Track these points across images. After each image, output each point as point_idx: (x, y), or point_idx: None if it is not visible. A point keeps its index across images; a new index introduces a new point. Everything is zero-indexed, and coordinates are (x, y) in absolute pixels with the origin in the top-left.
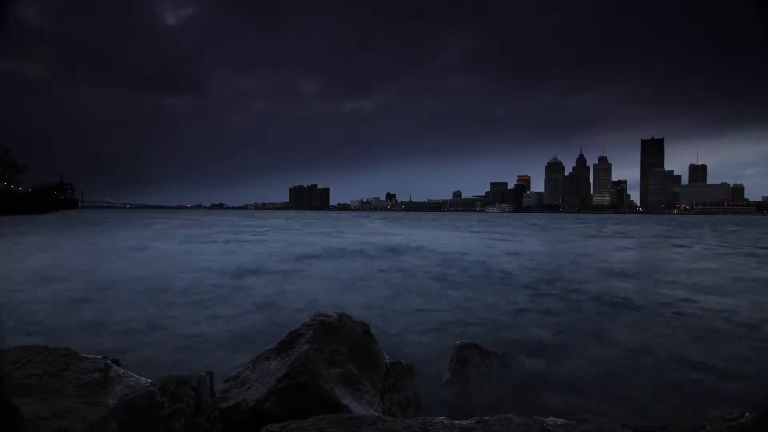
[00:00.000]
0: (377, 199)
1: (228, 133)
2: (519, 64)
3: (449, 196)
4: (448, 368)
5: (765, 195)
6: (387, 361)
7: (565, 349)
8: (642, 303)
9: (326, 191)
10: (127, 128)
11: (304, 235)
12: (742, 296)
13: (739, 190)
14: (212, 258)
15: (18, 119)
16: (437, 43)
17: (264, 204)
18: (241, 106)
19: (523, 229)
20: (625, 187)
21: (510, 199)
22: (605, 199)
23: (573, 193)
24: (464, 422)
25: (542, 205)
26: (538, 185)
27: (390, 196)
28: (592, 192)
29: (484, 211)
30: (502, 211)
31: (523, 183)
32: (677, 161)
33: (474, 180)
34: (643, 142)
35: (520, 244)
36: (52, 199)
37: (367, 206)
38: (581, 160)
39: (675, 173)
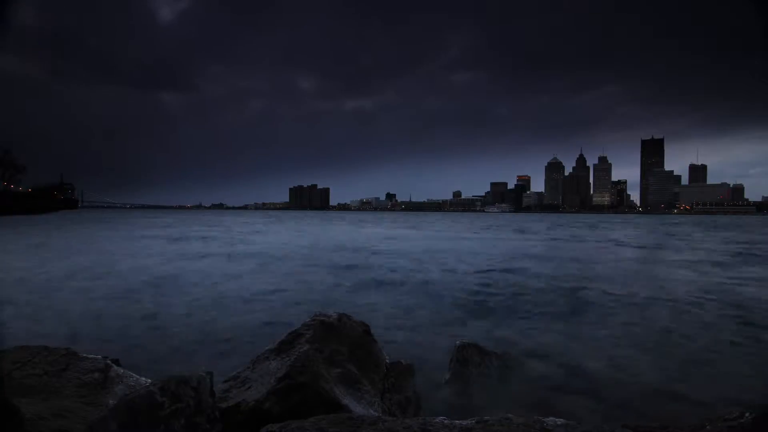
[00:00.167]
0: (377, 199)
1: (228, 132)
2: (519, 64)
3: (449, 196)
4: (448, 368)
5: (765, 195)
6: (387, 361)
7: (565, 350)
8: (642, 303)
9: (326, 191)
10: (126, 128)
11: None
12: (742, 298)
13: (739, 190)
14: (211, 258)
15: (17, 119)
16: (437, 43)
17: (264, 204)
18: (241, 105)
19: (527, 230)
20: (625, 187)
21: (510, 199)
22: (605, 199)
23: (573, 193)
24: (464, 422)
25: (542, 205)
26: (538, 185)
27: (390, 196)
28: (592, 192)
29: (484, 211)
30: (502, 211)
31: (523, 183)
32: (677, 161)
33: (474, 180)
34: (643, 142)
35: (522, 245)
36: (52, 199)
37: (367, 206)
38: (581, 160)
39: (675, 173)
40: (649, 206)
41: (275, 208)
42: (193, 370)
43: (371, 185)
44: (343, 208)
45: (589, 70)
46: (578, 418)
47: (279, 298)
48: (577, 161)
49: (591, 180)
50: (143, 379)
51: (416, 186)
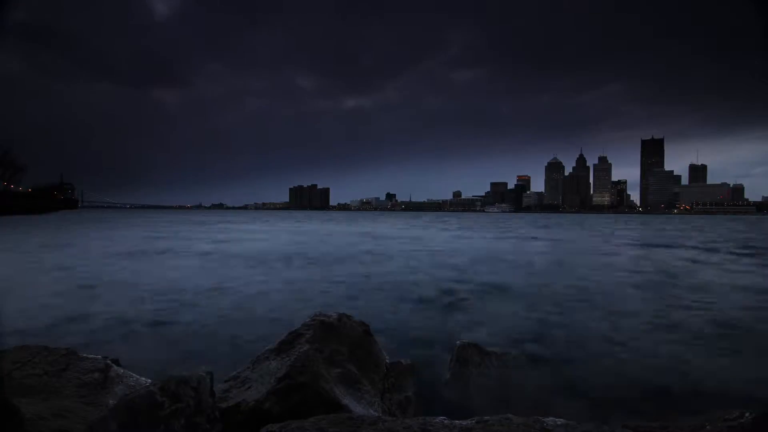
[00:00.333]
0: (377, 199)
1: (228, 132)
2: (519, 64)
3: (449, 196)
4: (448, 368)
5: (765, 195)
6: (387, 361)
7: (565, 350)
8: (642, 303)
9: (326, 191)
10: (126, 128)
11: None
12: (742, 299)
13: (739, 190)
14: (211, 258)
15: (17, 118)
16: (437, 42)
17: (264, 204)
18: (241, 105)
19: (533, 230)
20: (625, 187)
21: (510, 199)
22: (605, 199)
23: (573, 193)
24: (464, 422)
25: (542, 205)
26: (538, 185)
27: (390, 196)
28: (592, 192)
29: (484, 211)
30: (502, 211)
31: (523, 183)
32: (677, 161)
33: (474, 180)
34: (643, 142)
35: (522, 245)
36: (52, 199)
37: (367, 206)
38: (581, 160)
39: (675, 173)
40: (649, 206)
41: (275, 208)
42: (193, 370)
43: (371, 185)
44: (343, 208)
45: (589, 70)
46: (578, 418)
47: (279, 298)
48: (577, 161)
49: (591, 180)
50: (143, 379)
51: (416, 186)
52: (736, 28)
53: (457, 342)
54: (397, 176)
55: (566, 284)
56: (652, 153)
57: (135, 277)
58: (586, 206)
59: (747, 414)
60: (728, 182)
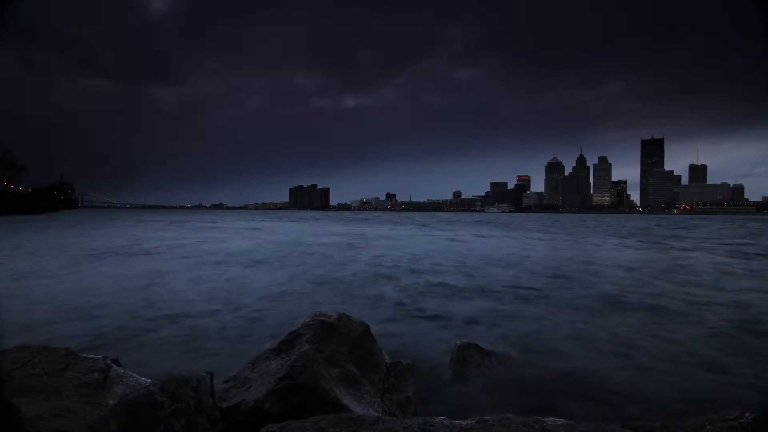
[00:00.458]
0: (377, 199)
1: (228, 132)
2: (519, 64)
3: (449, 196)
4: (448, 368)
5: (765, 195)
6: (387, 361)
7: (565, 350)
8: (642, 304)
9: (326, 191)
10: (126, 128)
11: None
12: (745, 298)
13: (739, 190)
14: (212, 258)
15: (17, 117)
16: (437, 40)
17: (264, 204)
18: (240, 104)
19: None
20: (625, 187)
21: (510, 199)
22: (605, 199)
23: (573, 193)
24: (464, 422)
25: (542, 205)
26: (538, 185)
27: (390, 196)
28: (592, 192)
29: (484, 211)
30: (502, 211)
31: (523, 183)
32: (677, 161)
33: (474, 180)
34: (643, 142)
35: (522, 245)
36: (52, 199)
37: (367, 206)
38: (581, 160)
39: (675, 173)
40: (649, 206)
41: (275, 208)
42: (193, 370)
43: (371, 185)
44: (343, 208)
45: (589, 70)
46: (578, 418)
47: (280, 298)
48: (577, 161)
49: (591, 180)
50: (143, 379)
51: (416, 186)
52: (736, 27)
53: (457, 342)
54: (397, 176)
55: (566, 285)
56: (652, 153)
57: (135, 277)
58: (586, 206)
59: (747, 414)
60: (728, 182)
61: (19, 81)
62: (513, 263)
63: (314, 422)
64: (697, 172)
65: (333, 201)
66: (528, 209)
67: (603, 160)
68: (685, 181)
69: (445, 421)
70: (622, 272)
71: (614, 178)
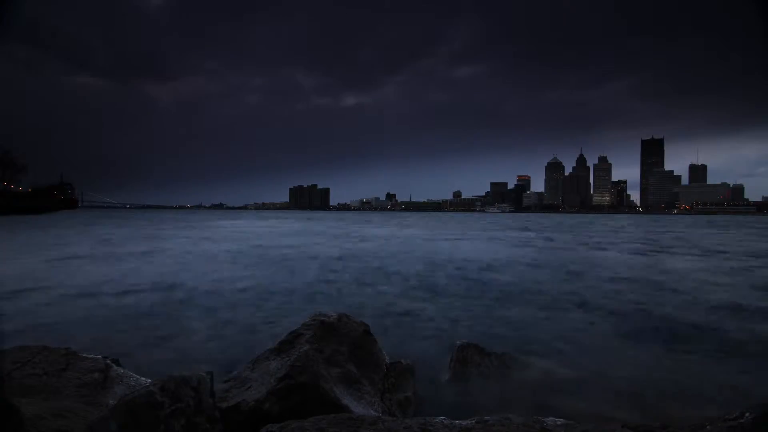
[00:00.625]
0: (377, 199)
1: (228, 132)
2: (519, 64)
3: (449, 196)
4: (448, 368)
5: (765, 195)
6: (387, 361)
7: (565, 350)
8: (642, 303)
9: (326, 191)
10: (126, 127)
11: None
12: (745, 298)
13: (739, 190)
14: (212, 258)
15: (17, 117)
16: (437, 39)
17: (264, 204)
18: (240, 104)
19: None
20: (625, 187)
21: (510, 199)
22: (605, 199)
23: (573, 193)
24: (464, 422)
25: (542, 205)
26: (538, 185)
27: (390, 196)
28: (592, 192)
29: (483, 211)
30: (502, 211)
31: (523, 183)
32: (677, 161)
33: (474, 180)
34: (643, 142)
35: (524, 245)
36: (52, 199)
37: (367, 206)
38: (581, 160)
39: (675, 173)
40: (649, 206)
41: (275, 208)
42: (193, 370)
43: (371, 185)
44: (343, 208)
45: (589, 69)
46: (578, 418)
47: (280, 298)
48: (577, 161)
49: (591, 180)
50: (143, 379)
51: (416, 186)
52: (736, 27)
53: (457, 342)
54: (397, 176)
55: (565, 285)
56: (652, 153)
57: (135, 277)
58: (586, 206)
59: (747, 414)
60: (728, 182)
61: (17, 81)
62: (515, 264)
63: (314, 422)
64: (697, 172)
65: (333, 201)
66: (528, 209)
67: (603, 160)
68: (685, 181)
69: (445, 421)
70: (627, 273)
71: (614, 178)
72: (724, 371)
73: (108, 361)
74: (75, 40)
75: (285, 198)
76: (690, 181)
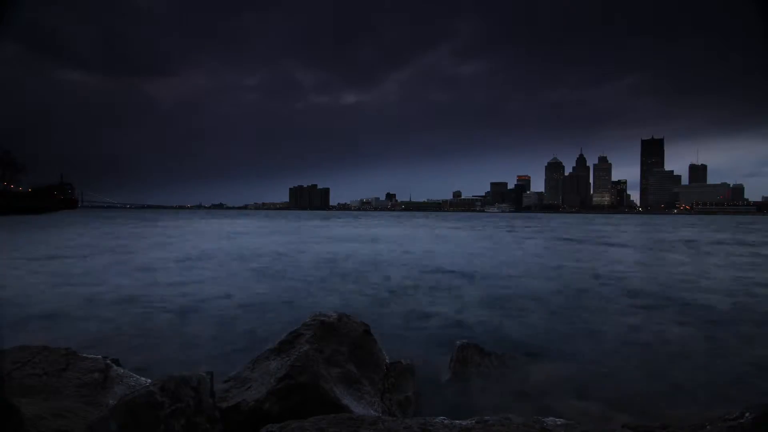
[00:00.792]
0: (377, 199)
1: (228, 132)
2: (519, 64)
3: (449, 196)
4: (448, 368)
5: (765, 195)
6: (387, 361)
7: (565, 350)
8: (641, 303)
9: (326, 191)
10: (126, 127)
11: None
12: (746, 298)
13: (739, 190)
14: (212, 258)
15: (16, 116)
16: (437, 37)
17: (264, 204)
18: (241, 104)
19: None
20: (625, 187)
21: (510, 199)
22: (605, 199)
23: (573, 193)
24: (464, 422)
25: (542, 205)
26: (538, 185)
27: (390, 196)
28: (592, 192)
29: (483, 211)
30: (502, 211)
31: (523, 183)
32: (677, 161)
33: (474, 180)
34: (643, 142)
35: (519, 242)
36: (52, 199)
37: (367, 206)
38: (581, 160)
39: (675, 173)
40: (649, 206)
41: (275, 209)
42: (193, 370)
43: (371, 185)
44: (343, 208)
45: (589, 69)
46: (578, 418)
47: (280, 298)
48: (577, 161)
49: (591, 180)
50: (143, 379)
51: (416, 186)
52: (736, 27)
53: (457, 342)
54: (397, 176)
55: (564, 285)
56: (652, 153)
57: (135, 277)
58: (586, 206)
59: (747, 414)
60: (728, 182)
61: (14, 80)
62: (515, 264)
63: (314, 422)
64: (697, 172)
65: (333, 201)
66: (528, 209)
67: (603, 160)
68: (685, 181)
69: (445, 421)
70: (627, 273)
71: (614, 178)
72: (725, 371)
73: (108, 361)
74: (73, 39)
75: (285, 198)
76: (690, 181)
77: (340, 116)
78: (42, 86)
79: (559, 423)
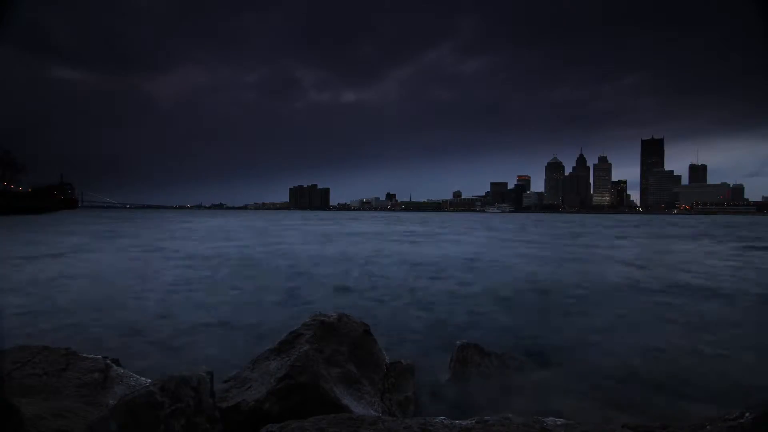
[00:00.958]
0: (377, 199)
1: (227, 132)
2: (519, 65)
3: (449, 196)
4: (448, 368)
5: (765, 195)
6: (387, 361)
7: (564, 350)
8: (641, 303)
9: (326, 191)
10: (127, 127)
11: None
12: (747, 297)
13: (738, 190)
14: (212, 258)
15: (16, 117)
16: (435, 38)
17: (264, 204)
18: (241, 104)
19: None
20: (625, 187)
21: (510, 199)
22: (605, 199)
23: (573, 193)
24: (464, 422)
25: (542, 205)
26: (538, 185)
27: (390, 196)
28: (592, 192)
29: (483, 211)
30: (502, 211)
31: (523, 183)
32: (677, 161)
33: (474, 180)
34: (643, 142)
35: (518, 242)
36: (52, 199)
37: (367, 206)
38: (581, 160)
39: (675, 173)
40: (649, 206)
41: (275, 208)
42: (193, 370)
43: (371, 185)
44: (343, 208)
45: (589, 70)
46: (578, 418)
47: (280, 298)
48: (577, 161)
49: (591, 180)
50: (143, 379)
51: (416, 186)
52: (736, 27)
53: (457, 342)
54: (397, 176)
55: (566, 285)
56: (652, 153)
57: (135, 277)
58: (586, 206)
59: (747, 414)
60: (728, 182)
61: (15, 81)
62: (514, 263)
63: (314, 422)
64: (697, 172)
65: (333, 201)
66: (528, 209)
67: (603, 160)
68: (685, 181)
69: (445, 421)
70: (629, 272)
71: (614, 178)
72: (725, 371)
73: (108, 361)
74: (73, 39)
75: (285, 198)
76: (690, 181)
77: (340, 115)
78: (42, 86)
79: (559, 423)
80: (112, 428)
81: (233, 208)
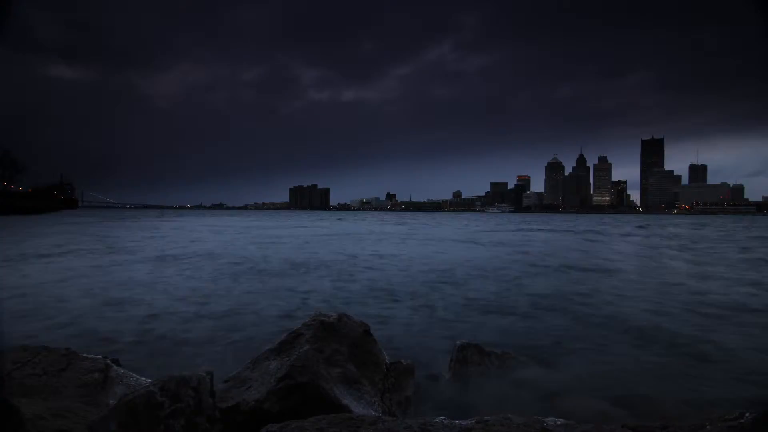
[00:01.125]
0: (377, 199)
1: (227, 132)
2: (519, 64)
3: (449, 196)
4: (448, 368)
5: (765, 195)
6: (387, 361)
7: (565, 350)
8: (640, 303)
9: (326, 191)
10: (126, 127)
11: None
12: (748, 296)
13: (738, 190)
14: (213, 258)
15: (17, 116)
16: (435, 37)
17: (264, 204)
18: (241, 104)
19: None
20: (625, 187)
21: (510, 199)
22: (605, 199)
23: (573, 193)
24: (464, 422)
25: (542, 205)
26: (538, 185)
27: (390, 196)
28: (592, 192)
29: (484, 211)
30: (502, 211)
31: (523, 183)
32: (677, 161)
33: (474, 180)
34: (643, 142)
35: (518, 241)
36: (52, 199)
37: (367, 206)
38: (581, 160)
39: (675, 173)
40: (649, 206)
41: (275, 208)
42: (193, 370)
43: (371, 185)
44: (343, 208)
45: (589, 70)
46: (578, 418)
47: (280, 298)
48: (577, 161)
49: (591, 180)
50: (143, 379)
51: (416, 186)
52: (736, 27)
53: (457, 342)
54: (397, 176)
55: (566, 285)
56: (652, 153)
57: (135, 277)
58: (586, 206)
59: (747, 414)
60: (728, 182)
61: (14, 81)
62: (514, 263)
63: (314, 422)
64: (697, 172)
65: (333, 201)
66: (528, 209)
67: (603, 160)
68: (685, 181)
69: (445, 421)
70: (629, 272)
71: (614, 178)
72: (725, 371)
73: (108, 361)
74: (72, 38)
75: (285, 198)
76: (690, 181)
77: (340, 114)
78: (41, 85)
79: (559, 423)
80: (112, 428)
81: (233, 208)
